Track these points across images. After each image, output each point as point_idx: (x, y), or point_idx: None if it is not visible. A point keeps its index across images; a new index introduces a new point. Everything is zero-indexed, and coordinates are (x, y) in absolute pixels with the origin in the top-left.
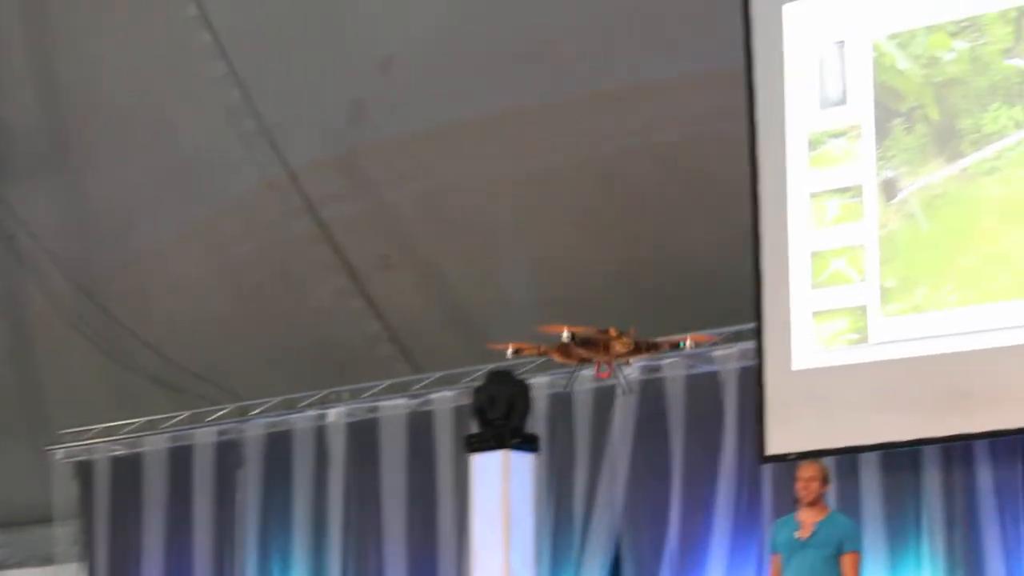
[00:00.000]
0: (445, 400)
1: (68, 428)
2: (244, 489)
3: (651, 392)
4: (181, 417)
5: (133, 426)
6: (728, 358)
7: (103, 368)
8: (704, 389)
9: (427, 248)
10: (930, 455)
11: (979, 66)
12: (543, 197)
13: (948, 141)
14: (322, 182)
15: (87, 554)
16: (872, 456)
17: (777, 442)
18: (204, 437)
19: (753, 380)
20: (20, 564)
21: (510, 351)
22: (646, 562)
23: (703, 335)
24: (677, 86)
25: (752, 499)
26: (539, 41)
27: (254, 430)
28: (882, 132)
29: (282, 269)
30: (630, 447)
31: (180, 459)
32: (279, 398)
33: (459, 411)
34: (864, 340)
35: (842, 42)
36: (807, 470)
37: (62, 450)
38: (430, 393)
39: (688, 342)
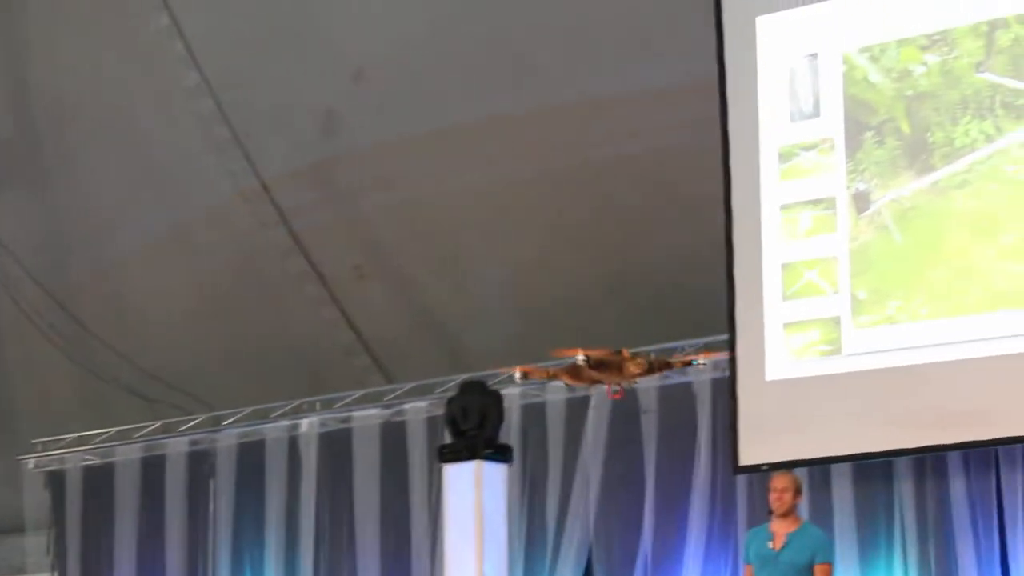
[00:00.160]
0: (418, 410)
1: (40, 438)
2: (216, 499)
3: (624, 402)
4: (153, 427)
5: (105, 436)
6: (701, 369)
7: (75, 378)
8: (677, 400)
9: (400, 258)
10: (903, 466)
11: (950, 80)
12: (516, 208)
13: (919, 154)
14: (295, 192)
15: (59, 564)
16: (844, 467)
17: (750, 453)
18: (176, 447)
19: (726, 391)
20: None
21: (518, 375)
22: (618, 572)
23: (716, 352)
24: (650, 98)
25: (725, 509)
26: (512, 52)
27: (226, 440)
28: (853, 145)
29: (255, 279)
30: (603, 458)
31: (152, 469)
32: (252, 408)
33: (432, 421)
34: (836, 351)
35: (814, 55)
36: (780, 481)
37: (34, 460)
38: (403, 403)
39: (701, 360)
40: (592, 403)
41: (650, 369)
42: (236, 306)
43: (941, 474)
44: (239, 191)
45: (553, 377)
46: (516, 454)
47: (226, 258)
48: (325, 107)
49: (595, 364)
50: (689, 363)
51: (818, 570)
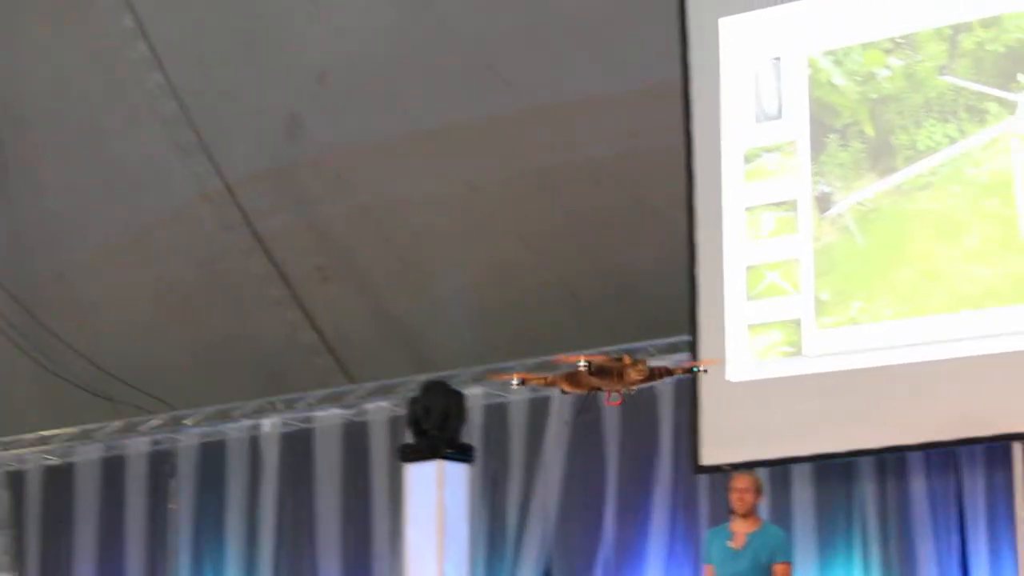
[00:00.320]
0: (380, 411)
1: None
2: (177, 499)
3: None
4: (114, 427)
5: (66, 435)
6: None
7: (35, 377)
8: (639, 400)
9: (363, 260)
10: (863, 466)
11: (914, 83)
12: (480, 210)
13: (882, 157)
14: (259, 194)
15: (18, 564)
16: (805, 467)
17: (712, 453)
18: (137, 447)
19: (688, 391)
20: None
21: (515, 382)
22: (580, 571)
23: (717, 360)
24: (614, 100)
25: (687, 509)
26: (477, 56)
27: (188, 440)
28: (817, 147)
29: (218, 280)
30: (564, 457)
31: (113, 469)
32: (213, 408)
33: (394, 421)
34: (798, 353)
35: (778, 58)
36: (742, 481)
37: None
38: (365, 403)
39: (702, 367)
40: (553, 403)
41: (651, 375)
42: (198, 307)
43: (901, 475)
44: (203, 193)
45: (551, 384)
46: (478, 454)
47: (189, 259)
48: (289, 110)
49: (596, 370)
50: (690, 370)
51: (778, 569)
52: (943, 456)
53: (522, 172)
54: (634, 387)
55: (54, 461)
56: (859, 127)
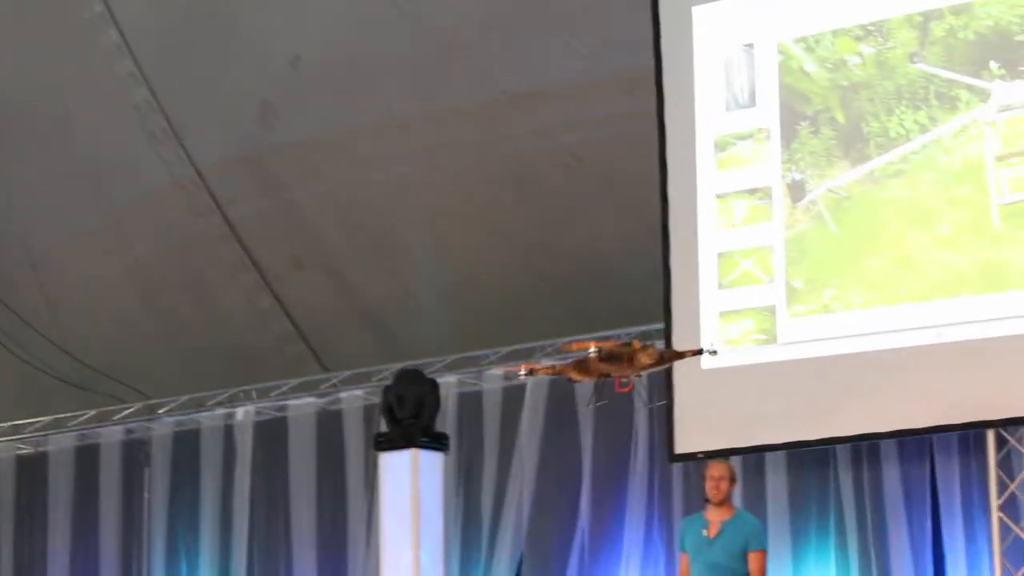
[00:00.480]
0: (354, 399)
1: None
2: (151, 488)
3: (560, 390)
4: (88, 416)
5: (39, 424)
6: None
7: (8, 366)
8: (614, 388)
9: (336, 248)
10: (837, 454)
11: (885, 70)
12: (453, 198)
13: (854, 144)
14: (231, 182)
15: None
16: (778, 455)
17: (686, 441)
18: (111, 436)
19: (662, 379)
20: None
21: (523, 372)
22: (555, 559)
23: (721, 343)
24: (587, 87)
25: (662, 497)
26: (448, 43)
27: (161, 429)
28: (789, 135)
29: (191, 268)
30: (539, 445)
31: (86, 458)
32: (187, 397)
33: (368, 410)
34: (772, 340)
35: (750, 45)
36: (716, 469)
37: None
38: (339, 392)
39: (711, 348)
40: (528, 392)
41: (661, 360)
42: (171, 295)
43: (875, 462)
44: (174, 180)
45: (559, 373)
46: (452, 442)
47: (161, 247)
48: (261, 97)
49: (606, 356)
50: (700, 352)
51: (751, 557)
52: (917, 444)
53: (496, 159)
54: (640, 373)
55: (27, 450)
56: (830, 114)
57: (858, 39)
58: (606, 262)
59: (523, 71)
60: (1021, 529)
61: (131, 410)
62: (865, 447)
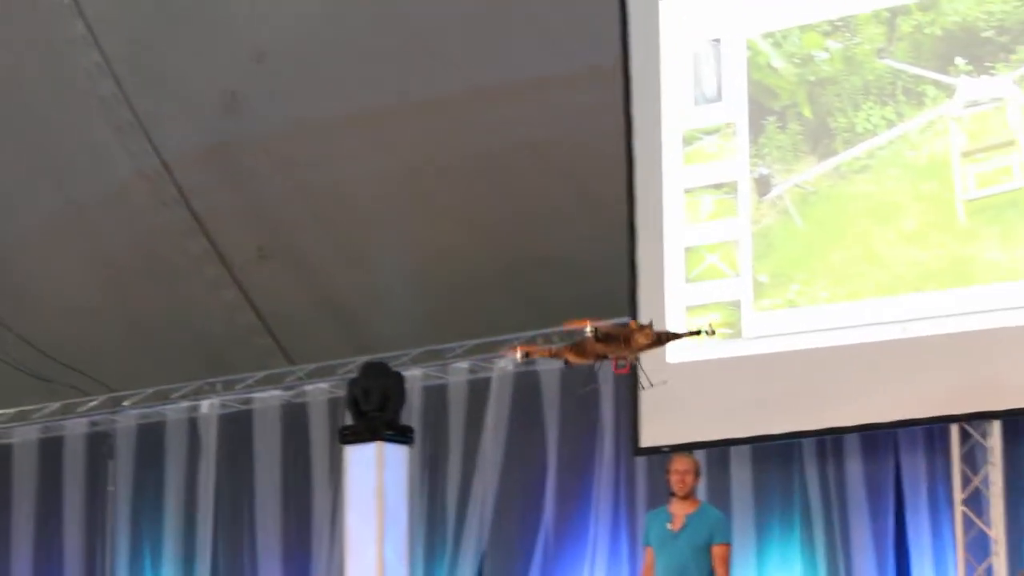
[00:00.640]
0: (319, 392)
1: None
2: (115, 480)
3: (526, 384)
4: (52, 408)
5: (3, 417)
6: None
7: None
8: (578, 381)
9: (302, 240)
10: (802, 449)
11: (852, 65)
12: (420, 191)
13: (821, 139)
14: (196, 173)
15: None
16: (743, 449)
17: (651, 435)
18: (75, 428)
19: (627, 374)
20: None
21: (519, 355)
22: (519, 554)
23: (721, 324)
24: (554, 81)
25: (627, 491)
26: (417, 36)
27: (126, 421)
28: (756, 129)
29: (155, 260)
30: (504, 439)
31: (50, 450)
32: (151, 389)
33: (333, 403)
34: (737, 335)
35: (717, 39)
36: (681, 463)
37: None
38: (304, 385)
39: (706, 329)
40: (493, 385)
41: (658, 340)
42: (136, 286)
43: (840, 457)
44: (139, 172)
45: (556, 355)
46: (417, 436)
47: (126, 238)
48: (228, 88)
49: (603, 336)
50: (698, 332)
51: (716, 551)
52: (882, 438)
53: (463, 153)
54: (641, 353)
55: None
56: (797, 109)
57: (826, 34)
58: (573, 256)
59: (491, 64)
60: (984, 523)
61: (95, 402)
62: (830, 441)
